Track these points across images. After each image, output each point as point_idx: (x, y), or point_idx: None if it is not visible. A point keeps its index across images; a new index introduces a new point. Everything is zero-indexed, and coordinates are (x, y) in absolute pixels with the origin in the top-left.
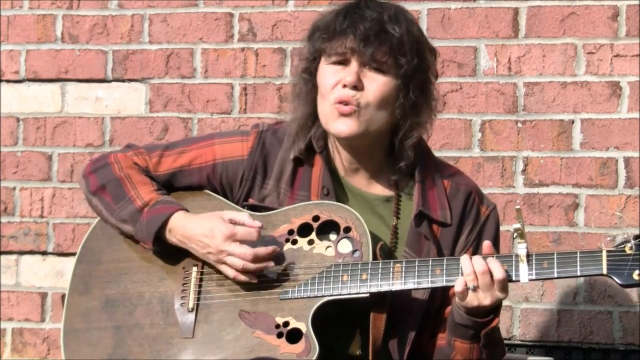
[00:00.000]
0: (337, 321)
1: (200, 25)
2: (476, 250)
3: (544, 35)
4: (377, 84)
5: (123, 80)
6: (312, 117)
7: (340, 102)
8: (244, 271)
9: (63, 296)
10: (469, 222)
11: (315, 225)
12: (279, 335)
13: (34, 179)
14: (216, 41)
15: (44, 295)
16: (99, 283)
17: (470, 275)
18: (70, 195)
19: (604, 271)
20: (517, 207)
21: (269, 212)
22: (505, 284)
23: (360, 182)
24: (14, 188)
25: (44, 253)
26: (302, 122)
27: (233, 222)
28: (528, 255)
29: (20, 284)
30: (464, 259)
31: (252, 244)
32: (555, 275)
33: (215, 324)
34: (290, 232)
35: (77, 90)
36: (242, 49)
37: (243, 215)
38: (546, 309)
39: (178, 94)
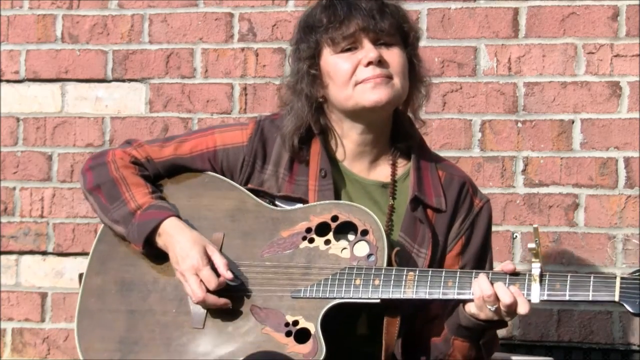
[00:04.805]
0: (348, 320)
1: (200, 25)
2: (469, 240)
3: (544, 35)
4: (394, 56)
5: (123, 80)
6: (310, 112)
7: (372, 79)
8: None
9: (81, 275)
10: (463, 211)
11: (333, 225)
12: (288, 334)
13: (34, 179)
14: (216, 41)
15: (44, 295)
16: (117, 265)
17: (492, 299)
18: (70, 195)
19: (616, 298)
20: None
21: (288, 208)
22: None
23: (358, 168)
24: (14, 188)
25: (44, 253)
26: (303, 122)
27: (209, 259)
28: (541, 275)
29: (20, 284)
30: (501, 288)
31: (231, 264)
32: (567, 297)
33: (226, 317)
34: (308, 230)
35: (77, 90)
36: (242, 49)
37: (222, 262)
38: (546, 309)
39: (178, 94)
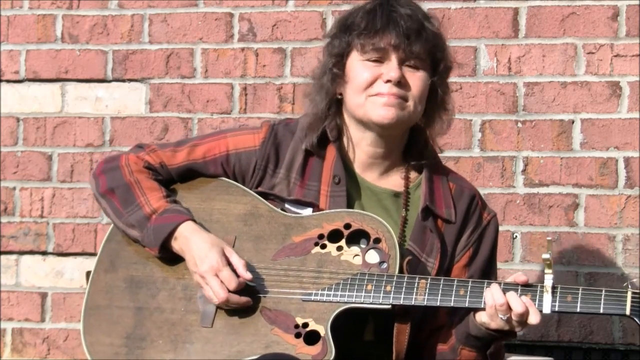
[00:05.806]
0: (356, 326)
1: (200, 25)
2: (476, 252)
3: (544, 35)
4: (417, 80)
5: (123, 80)
6: (330, 110)
7: (386, 95)
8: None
9: (88, 273)
10: (471, 224)
11: (346, 232)
12: (297, 336)
13: (34, 179)
14: (216, 41)
15: (44, 295)
16: (126, 263)
17: (504, 308)
18: (70, 195)
19: (627, 312)
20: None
21: (301, 215)
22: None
23: (371, 177)
24: (14, 188)
25: (44, 253)
26: (319, 116)
27: (228, 261)
28: (553, 287)
29: (20, 284)
30: (513, 297)
31: (246, 264)
32: (578, 310)
33: (235, 317)
34: (320, 236)
35: (77, 90)
36: (242, 49)
37: (240, 262)
38: None
39: (178, 94)
